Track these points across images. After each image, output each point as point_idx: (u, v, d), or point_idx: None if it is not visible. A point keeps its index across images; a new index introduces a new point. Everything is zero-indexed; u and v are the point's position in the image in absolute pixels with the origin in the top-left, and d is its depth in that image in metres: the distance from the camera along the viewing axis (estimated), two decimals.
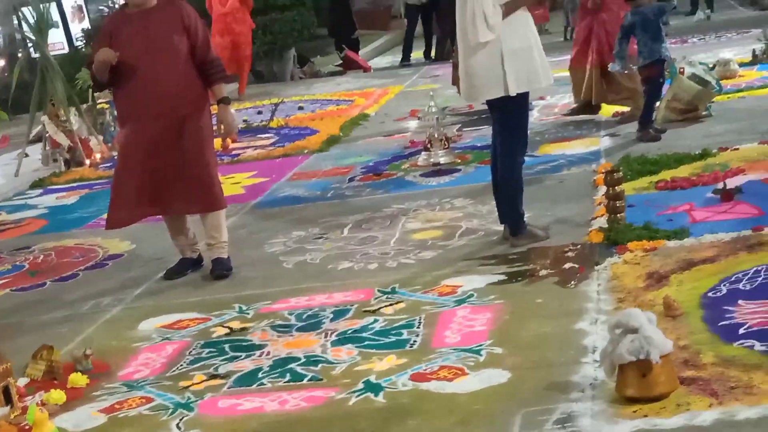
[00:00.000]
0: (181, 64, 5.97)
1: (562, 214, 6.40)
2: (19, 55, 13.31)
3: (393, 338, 4.73)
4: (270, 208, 7.82)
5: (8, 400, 4.38)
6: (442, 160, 8.33)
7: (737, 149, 7.32)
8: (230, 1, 13.98)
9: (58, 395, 4.53)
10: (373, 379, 4.29)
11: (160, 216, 6.33)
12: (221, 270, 6.17)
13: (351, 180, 8.33)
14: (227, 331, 5.19)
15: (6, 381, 4.39)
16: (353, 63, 17.30)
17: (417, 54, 17.58)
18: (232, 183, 8.74)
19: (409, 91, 13.28)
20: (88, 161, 10.63)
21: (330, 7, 17.46)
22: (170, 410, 4.29)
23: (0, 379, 4.36)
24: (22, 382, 4.73)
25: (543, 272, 5.35)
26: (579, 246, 5.69)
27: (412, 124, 10.58)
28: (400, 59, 17.59)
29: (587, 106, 9.48)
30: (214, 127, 6.24)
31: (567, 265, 5.38)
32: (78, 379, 4.72)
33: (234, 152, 10.14)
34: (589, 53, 9.16)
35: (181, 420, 4.18)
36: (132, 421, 4.24)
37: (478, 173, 7.81)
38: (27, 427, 4.12)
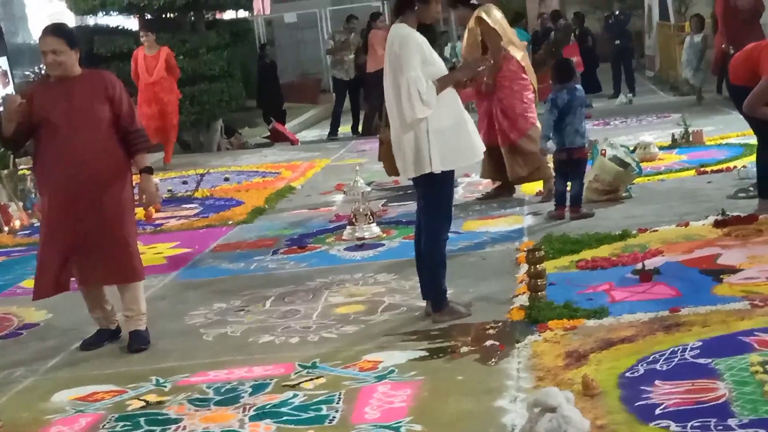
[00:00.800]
0: (102, 134, 5.92)
1: (484, 292, 6.43)
2: None
3: (312, 413, 4.68)
4: (192, 279, 7.74)
5: None
6: (366, 235, 8.34)
7: (656, 231, 7.45)
8: (157, 70, 13.97)
9: None
10: None
11: (78, 286, 6.23)
12: (138, 343, 6.07)
13: (275, 252, 8.29)
14: (143, 404, 5.08)
15: None
16: (281, 135, 17.35)
17: (345, 128, 17.69)
18: (155, 253, 8.65)
19: (335, 165, 13.32)
20: (6, 228, 10.44)
21: (258, 78, 17.55)
22: None
23: None
24: None
25: (464, 349, 5.35)
26: (500, 323, 5.71)
27: (338, 197, 10.59)
28: (327, 133, 17.69)
29: (502, 187, 9.60)
30: (136, 197, 6.18)
31: (488, 343, 5.39)
32: None
33: (157, 222, 10.05)
34: (495, 134, 9.30)
35: None
36: None
37: (402, 248, 7.83)
38: None
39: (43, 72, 16.62)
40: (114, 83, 6.02)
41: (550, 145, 8.27)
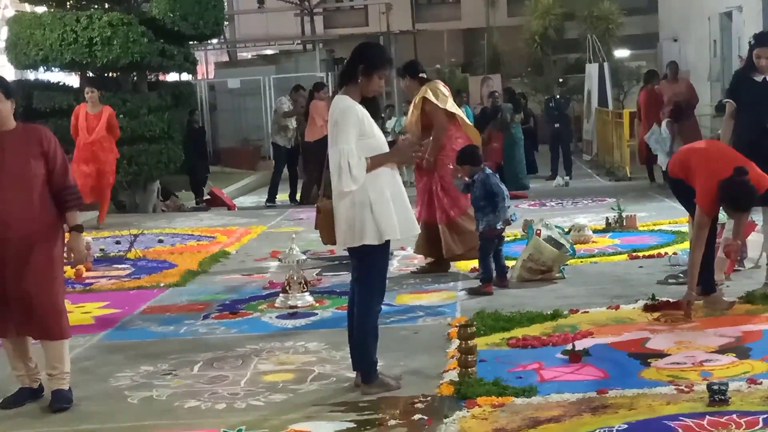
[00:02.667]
0: (34, 190, 5.85)
1: (415, 365, 6.42)
2: None
3: None
4: (119, 340, 7.62)
5: None
6: (299, 303, 8.30)
7: (587, 312, 7.51)
8: (98, 129, 13.87)
9: None
10: None
11: (1, 338, 6.11)
12: (60, 403, 5.95)
13: (206, 317, 8.21)
14: None
15: None
16: (218, 200, 17.31)
17: (282, 196, 17.70)
18: (83, 312, 8.51)
19: (272, 232, 13.28)
20: None
21: (185, 143, 17.48)
22: None
23: None
24: None
25: (392, 422, 5.33)
26: (429, 398, 5.69)
27: (273, 264, 10.55)
28: (265, 200, 17.66)
29: (436, 263, 9.65)
30: (65, 255, 6.10)
31: (416, 417, 5.38)
32: None
33: (87, 281, 9.91)
34: (434, 211, 9.38)
35: None
36: None
37: (334, 318, 7.81)
38: None
39: None
40: (49, 138, 5.96)
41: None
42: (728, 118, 8.39)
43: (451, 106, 9.38)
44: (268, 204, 17.31)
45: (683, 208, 8.03)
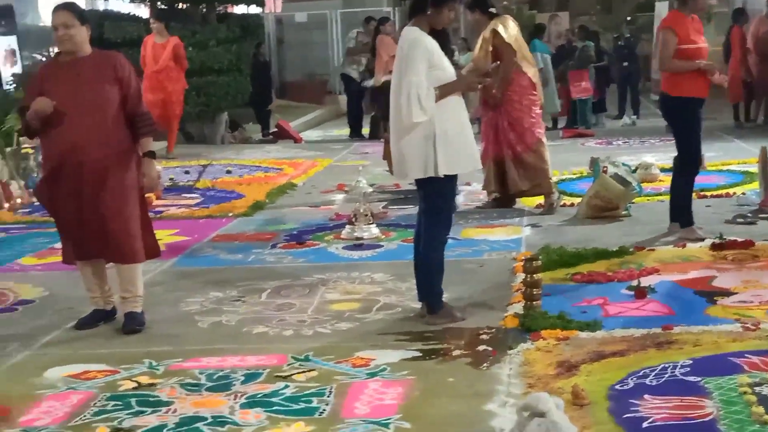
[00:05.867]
0: (109, 115, 5.95)
1: (480, 298, 6.47)
2: None
3: (302, 405, 4.72)
4: (189, 267, 7.77)
5: None
6: (365, 235, 8.38)
7: (653, 250, 7.49)
8: (163, 59, 13.99)
9: None
10: None
11: (75, 265, 6.27)
12: (133, 325, 6.11)
13: (273, 246, 8.33)
14: (135, 385, 5.12)
15: None
16: (285, 133, 17.41)
17: (345, 131, 17.76)
18: None
19: (338, 165, 13.37)
20: (7, 205, 10.48)
21: (251, 76, 17.55)
22: None
23: None
24: None
25: (456, 352, 5.39)
26: (493, 330, 5.75)
27: (339, 197, 10.64)
28: (348, 134, 17.63)
29: (501, 199, 9.65)
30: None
31: (480, 348, 5.43)
32: None
33: (157, 209, 10.08)
34: (500, 146, 9.37)
35: None
36: None
37: (399, 250, 7.87)
38: None
39: (52, 53, 16.66)
40: (123, 64, 6.06)
41: None
42: None
43: (517, 43, 9.33)
44: (351, 138, 17.26)
45: None
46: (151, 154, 6.15)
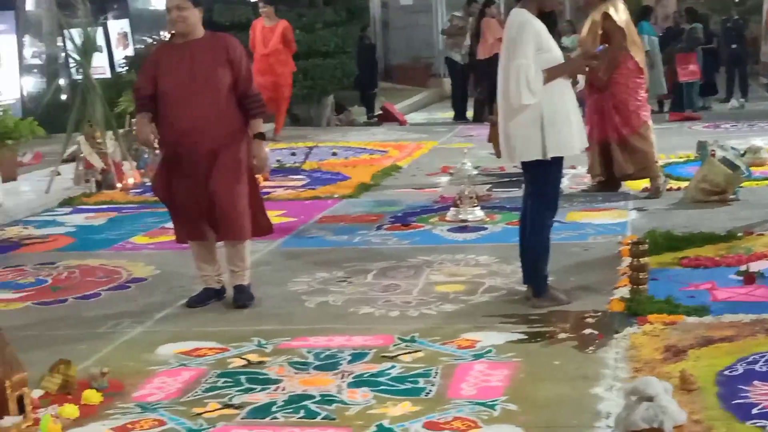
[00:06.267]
0: (221, 96, 6.08)
1: (585, 281, 6.44)
2: (61, 77, 13.51)
3: (409, 385, 4.77)
4: (296, 248, 7.88)
5: (21, 410, 4.41)
6: (470, 218, 8.40)
7: (762, 235, 7.35)
8: (273, 42, 14.16)
9: (71, 410, 4.57)
10: (386, 423, 4.32)
11: (187, 243, 6.42)
12: (243, 298, 6.27)
13: (378, 228, 8.40)
14: (244, 363, 5.23)
15: (21, 390, 4.42)
16: (390, 115, 17.48)
17: (449, 113, 17.75)
18: None
19: (442, 147, 13.38)
20: (119, 185, 10.75)
21: (356, 59, 17.66)
22: None
23: (15, 388, 4.39)
24: (37, 393, 4.75)
25: (562, 335, 5.38)
26: (599, 313, 5.72)
27: (443, 179, 10.66)
28: (453, 116, 17.65)
29: (606, 182, 9.55)
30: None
31: (586, 331, 5.41)
32: (92, 396, 4.74)
33: (264, 190, 10.21)
34: (606, 129, 9.27)
35: None
36: None
37: (504, 233, 7.87)
38: None
39: (161, 37, 17.00)
40: (235, 46, 6.18)
41: None
42: None
43: (627, 27, 9.23)
44: (456, 121, 17.29)
45: None
46: (261, 136, 6.26)
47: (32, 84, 16.48)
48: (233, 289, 6.34)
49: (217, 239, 6.34)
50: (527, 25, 5.76)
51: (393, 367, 5.03)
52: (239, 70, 6.13)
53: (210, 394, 4.80)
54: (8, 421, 4.26)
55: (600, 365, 4.89)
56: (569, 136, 5.84)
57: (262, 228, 6.47)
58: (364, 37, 19.23)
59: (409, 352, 5.23)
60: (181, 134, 6.06)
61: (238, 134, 6.17)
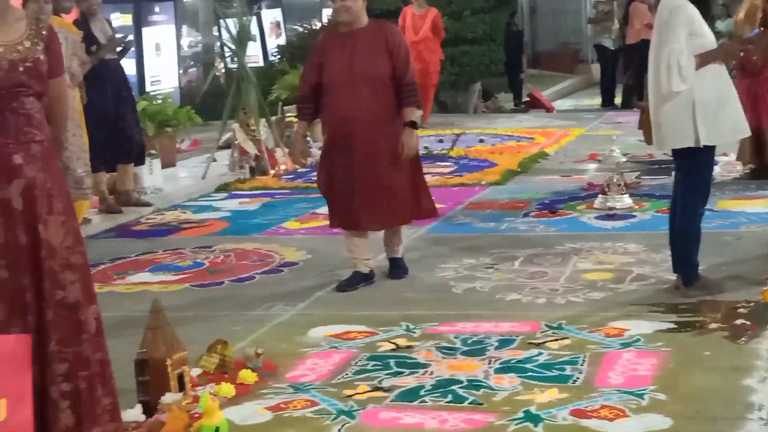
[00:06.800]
0: (381, 85, 6.22)
1: (737, 271, 6.32)
2: (217, 65, 13.86)
3: (556, 372, 4.79)
4: (443, 234, 7.95)
5: (182, 387, 4.60)
6: (618, 205, 8.32)
7: None
8: (423, 30, 14.25)
9: (227, 389, 4.72)
10: (533, 409, 4.35)
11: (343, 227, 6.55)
12: (399, 271, 6.59)
13: (525, 215, 8.40)
14: (393, 347, 5.32)
15: (181, 369, 4.62)
16: (537, 102, 17.39)
17: (596, 101, 17.55)
18: None
19: (590, 134, 13.25)
20: (272, 171, 11.00)
21: (504, 46, 17.58)
22: (333, 416, 4.43)
23: (175, 366, 4.58)
24: (195, 372, 4.93)
25: (713, 325, 5.31)
26: (752, 304, 5.61)
27: (591, 167, 10.57)
28: (594, 102, 17.47)
29: (760, 169, 9.31)
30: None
31: (738, 321, 5.32)
32: (247, 376, 4.89)
33: None
34: (759, 116, 9.01)
35: (342, 426, 4.32)
36: (296, 422, 4.40)
37: (653, 221, 7.77)
38: (197, 415, 4.30)
39: (313, 26, 17.28)
40: (395, 34, 6.33)
41: None
42: None
43: None
44: (604, 107, 17.10)
45: None
46: (413, 125, 6.37)
47: (190, 73, 16.98)
48: (389, 261, 6.61)
49: (378, 228, 6.51)
50: (680, 10, 5.68)
51: (540, 353, 5.05)
52: (398, 60, 6.26)
53: (360, 376, 4.91)
54: (169, 397, 4.45)
55: (752, 357, 4.81)
56: (722, 123, 5.74)
57: (426, 210, 6.65)
58: (511, 24, 19.13)
59: (557, 339, 5.24)
60: (342, 121, 6.25)
61: (395, 122, 6.30)
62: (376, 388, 4.73)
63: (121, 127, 8.88)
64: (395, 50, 6.25)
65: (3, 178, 3.32)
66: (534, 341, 5.24)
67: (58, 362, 3.57)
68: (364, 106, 6.18)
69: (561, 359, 4.95)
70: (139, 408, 4.44)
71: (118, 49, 8.95)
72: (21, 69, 3.63)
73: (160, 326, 4.58)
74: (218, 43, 15.42)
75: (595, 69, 19.85)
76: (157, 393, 4.48)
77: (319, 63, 6.33)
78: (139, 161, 9.39)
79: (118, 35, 9.06)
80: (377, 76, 6.21)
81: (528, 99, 17.79)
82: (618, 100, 17.08)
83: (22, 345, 3.12)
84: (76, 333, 3.36)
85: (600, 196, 8.54)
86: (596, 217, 8.15)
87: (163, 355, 4.53)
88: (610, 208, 8.31)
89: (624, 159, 8.95)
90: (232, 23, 11.58)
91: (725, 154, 10.30)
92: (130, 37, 9.67)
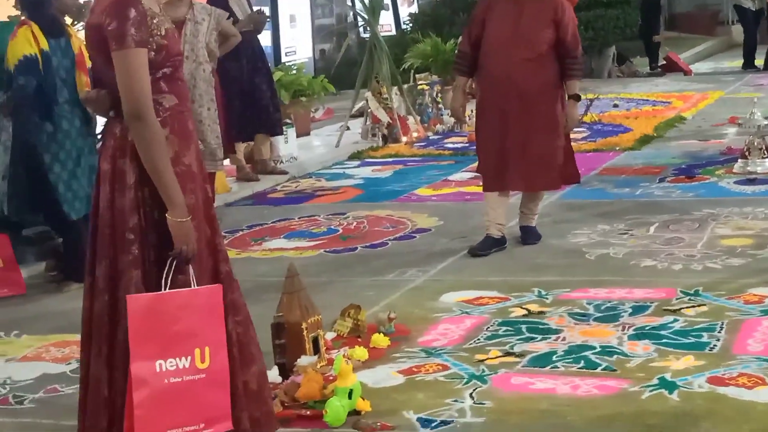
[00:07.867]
0: (540, 52, 6.24)
1: None
2: (349, 34, 13.95)
3: (692, 339, 4.71)
4: (577, 200, 7.87)
5: (317, 350, 4.69)
6: (759, 170, 8.11)
7: None
8: None
9: (361, 352, 4.78)
10: (668, 376, 4.29)
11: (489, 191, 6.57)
12: (532, 239, 6.59)
13: (661, 180, 8.26)
14: (525, 312, 5.31)
15: (316, 332, 4.70)
16: (674, 65, 17.00)
17: (738, 62, 17.06)
18: None
19: (729, 97, 12.92)
20: (404, 138, 11.04)
21: (640, 8, 17.21)
22: (465, 380, 4.45)
23: (311, 330, 4.67)
24: (330, 336, 5.01)
25: None
26: None
27: (731, 130, 10.32)
28: (734, 64, 17.03)
29: None
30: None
31: None
32: (380, 340, 4.95)
33: None
34: None
35: (474, 390, 4.33)
36: (428, 385, 4.43)
37: None
38: (331, 378, 4.37)
39: None
40: (564, 8, 6.31)
41: None
42: None
43: None
44: (745, 69, 16.66)
45: None
46: (576, 97, 6.40)
47: (323, 43, 17.13)
48: (521, 229, 6.62)
49: (523, 188, 6.55)
50: None
51: (675, 320, 4.97)
52: (565, 33, 6.26)
53: (491, 341, 4.91)
54: (305, 360, 4.54)
55: None
56: None
57: (571, 176, 6.67)
58: None
59: (693, 306, 5.15)
60: (495, 82, 6.30)
61: (554, 90, 6.33)
62: (508, 354, 4.73)
63: (258, 98, 9.01)
64: (562, 22, 6.25)
65: (185, 145, 3.33)
66: (669, 308, 5.16)
67: None
68: (522, 70, 6.22)
69: (697, 326, 4.87)
70: (275, 370, 4.53)
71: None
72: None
73: (296, 291, 4.67)
74: (351, 13, 15.50)
75: (736, 30, 19.28)
76: (292, 356, 4.57)
77: (482, 19, 6.36)
78: (277, 131, 9.53)
79: (255, 9, 9.19)
80: (538, 42, 6.23)
81: (665, 62, 17.39)
82: (759, 62, 16.58)
83: (216, 295, 3.26)
84: (229, 282, 3.44)
85: (740, 160, 8.34)
86: (736, 182, 7.97)
87: (299, 319, 4.62)
88: (751, 173, 8.11)
89: (766, 122, 8.68)
90: None
91: None
92: (267, 12, 9.79)
